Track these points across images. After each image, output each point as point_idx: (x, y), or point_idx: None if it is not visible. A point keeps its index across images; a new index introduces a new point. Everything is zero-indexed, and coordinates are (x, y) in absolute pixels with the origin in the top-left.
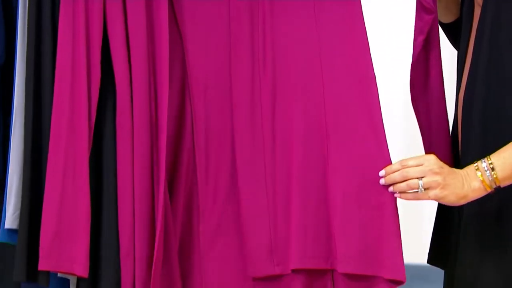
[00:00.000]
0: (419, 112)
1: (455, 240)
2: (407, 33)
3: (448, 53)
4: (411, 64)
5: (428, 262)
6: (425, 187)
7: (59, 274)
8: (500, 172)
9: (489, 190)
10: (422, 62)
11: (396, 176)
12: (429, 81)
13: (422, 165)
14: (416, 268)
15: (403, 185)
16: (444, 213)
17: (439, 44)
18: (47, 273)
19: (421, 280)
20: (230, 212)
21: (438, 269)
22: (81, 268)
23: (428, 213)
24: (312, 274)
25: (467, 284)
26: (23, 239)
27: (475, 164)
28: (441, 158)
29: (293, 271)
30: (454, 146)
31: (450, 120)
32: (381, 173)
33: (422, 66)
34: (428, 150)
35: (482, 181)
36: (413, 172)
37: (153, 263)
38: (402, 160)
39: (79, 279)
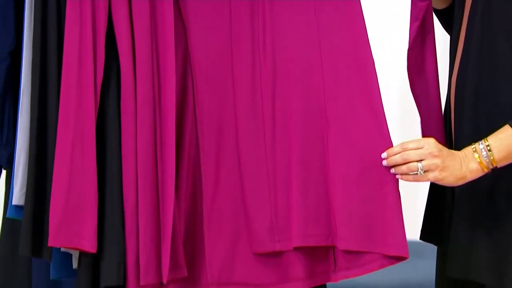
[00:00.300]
0: (417, 96)
1: (448, 217)
2: (403, 23)
3: (440, 37)
4: (408, 50)
5: (420, 238)
6: (424, 169)
7: (62, 249)
8: (496, 154)
9: (486, 170)
10: (417, 47)
11: (397, 159)
12: (425, 65)
13: (422, 148)
14: (410, 244)
15: (404, 167)
16: (437, 191)
17: (434, 29)
18: (51, 248)
19: (416, 256)
20: (233, 193)
21: (432, 245)
22: (90, 244)
23: (423, 190)
24: (314, 251)
25: (459, 260)
26: (28, 216)
27: (473, 146)
28: (435, 139)
29: (295, 248)
30: (446, 128)
31: (442, 102)
32: (383, 155)
33: (417, 51)
34: (424, 132)
35: (480, 163)
36: (413, 155)
37: (163, 244)
38: (403, 143)
39: (81, 254)
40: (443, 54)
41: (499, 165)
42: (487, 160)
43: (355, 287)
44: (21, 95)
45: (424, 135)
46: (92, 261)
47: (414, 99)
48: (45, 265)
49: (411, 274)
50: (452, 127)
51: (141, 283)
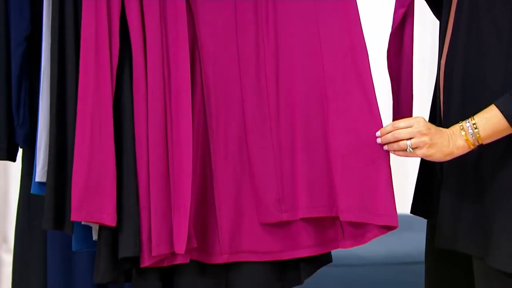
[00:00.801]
0: (392, 77)
1: (437, 191)
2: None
3: (430, 22)
4: (390, 34)
5: (411, 212)
6: (413, 147)
7: (82, 222)
8: (482, 132)
9: (472, 147)
10: (398, 32)
11: (389, 137)
12: (403, 49)
13: (411, 126)
14: (400, 217)
15: (395, 145)
16: (427, 167)
17: (414, 15)
18: (72, 222)
19: (406, 229)
20: (241, 167)
21: (420, 218)
22: (110, 218)
23: (412, 167)
24: (321, 221)
25: (447, 232)
26: (51, 192)
27: (460, 124)
28: (406, 116)
29: (302, 219)
30: (435, 108)
31: (431, 85)
32: (377, 133)
33: (398, 35)
34: (396, 109)
35: (466, 140)
36: (403, 133)
37: (179, 217)
38: (394, 122)
39: (101, 227)
40: (432, 38)
41: (484, 142)
42: (473, 137)
43: (348, 258)
44: (41, 78)
45: (397, 112)
46: (112, 233)
47: (390, 79)
48: (60, 238)
49: (401, 245)
50: (441, 106)
51: (153, 253)
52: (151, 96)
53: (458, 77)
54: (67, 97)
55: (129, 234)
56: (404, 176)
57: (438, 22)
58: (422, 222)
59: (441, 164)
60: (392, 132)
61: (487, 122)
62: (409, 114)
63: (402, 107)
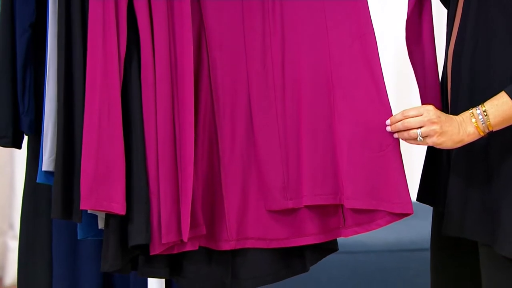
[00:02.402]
0: (415, 65)
1: (444, 178)
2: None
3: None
4: (406, 20)
5: (417, 199)
6: (423, 135)
7: (88, 211)
8: (492, 119)
9: (482, 134)
10: (415, 18)
11: (399, 126)
12: (422, 35)
13: (421, 115)
14: None
15: (405, 134)
16: (433, 154)
17: (430, 1)
18: (80, 211)
19: (411, 216)
20: (248, 154)
21: (425, 206)
22: (119, 207)
23: (417, 154)
24: (324, 209)
25: (454, 219)
26: (59, 180)
27: (470, 111)
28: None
29: (307, 206)
30: (442, 96)
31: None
32: (387, 122)
33: (415, 21)
34: (424, 100)
35: (476, 127)
36: (413, 122)
37: (183, 205)
38: (404, 110)
39: (110, 215)
40: (437, 26)
41: (495, 129)
42: (484, 124)
43: (352, 244)
44: (47, 67)
45: (423, 102)
46: (120, 222)
47: (413, 68)
48: (65, 225)
49: (405, 233)
50: (448, 94)
51: (163, 241)
52: (159, 83)
53: (466, 65)
54: (74, 85)
55: (140, 221)
56: (410, 164)
57: (442, 9)
58: (427, 210)
59: (448, 151)
60: (402, 121)
61: (498, 109)
62: (437, 103)
63: (428, 94)
